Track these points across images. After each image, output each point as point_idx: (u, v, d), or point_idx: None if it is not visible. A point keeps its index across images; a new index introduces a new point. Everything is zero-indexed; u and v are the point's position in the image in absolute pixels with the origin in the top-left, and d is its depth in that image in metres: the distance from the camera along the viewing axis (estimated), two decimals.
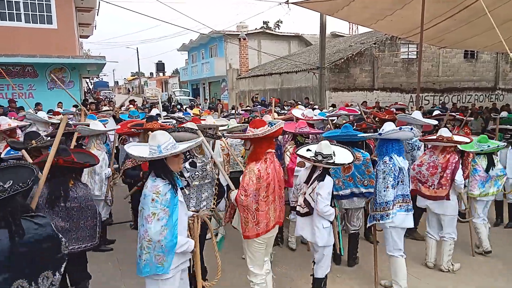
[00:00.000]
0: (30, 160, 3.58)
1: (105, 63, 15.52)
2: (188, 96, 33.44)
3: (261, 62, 28.47)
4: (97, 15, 20.03)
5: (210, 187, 3.80)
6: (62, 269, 2.33)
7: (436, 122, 6.12)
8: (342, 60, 17.60)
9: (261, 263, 3.50)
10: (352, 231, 4.80)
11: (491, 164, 4.96)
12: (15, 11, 13.67)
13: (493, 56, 20.81)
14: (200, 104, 22.02)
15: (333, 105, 13.63)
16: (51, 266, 2.26)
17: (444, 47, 15.36)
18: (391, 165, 3.82)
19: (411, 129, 3.93)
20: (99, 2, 17.33)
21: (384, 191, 3.85)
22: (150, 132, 4.12)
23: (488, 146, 4.92)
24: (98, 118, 6.91)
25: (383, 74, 18.42)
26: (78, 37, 19.80)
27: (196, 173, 3.71)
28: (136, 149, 2.93)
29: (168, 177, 2.80)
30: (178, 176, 2.98)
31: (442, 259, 4.69)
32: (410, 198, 3.97)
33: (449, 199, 4.42)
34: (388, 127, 3.90)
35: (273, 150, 3.46)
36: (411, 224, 4.00)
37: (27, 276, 2.13)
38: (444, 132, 4.52)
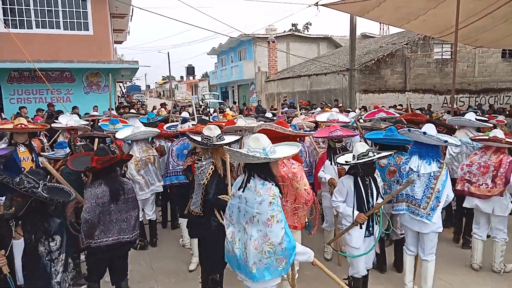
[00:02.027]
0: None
1: (138, 68, 15.93)
2: (218, 99, 33.84)
3: (290, 65, 28.42)
4: (131, 21, 20.67)
5: (200, 192, 3.76)
6: None
7: (491, 125, 6.03)
8: (373, 62, 17.32)
9: None
10: (400, 237, 4.57)
11: None
12: (55, 19, 14.31)
13: None
14: (229, 107, 22.22)
15: (364, 107, 13.43)
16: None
17: (480, 46, 14.81)
18: (401, 163, 4.00)
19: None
20: (133, 9, 17.88)
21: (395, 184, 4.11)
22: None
23: None
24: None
25: (416, 75, 17.97)
26: (113, 42, 20.48)
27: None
28: (240, 150, 2.97)
29: (275, 180, 2.78)
30: None
31: (494, 260, 4.62)
32: (419, 202, 3.82)
33: (502, 196, 4.38)
34: (429, 130, 3.85)
35: None
36: (420, 229, 3.88)
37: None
38: (498, 133, 4.53)
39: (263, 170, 2.75)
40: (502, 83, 19.64)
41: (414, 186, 3.84)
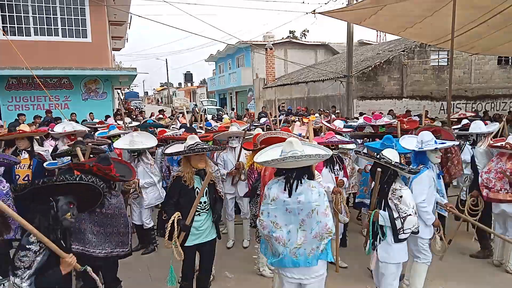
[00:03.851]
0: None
1: (136, 75, 15.97)
2: (216, 105, 33.90)
3: (287, 71, 28.54)
4: (129, 28, 20.76)
5: None
6: None
7: (495, 130, 6.07)
8: (370, 68, 17.44)
9: None
10: None
11: None
12: (53, 26, 14.34)
13: None
14: (227, 113, 22.25)
15: (361, 114, 13.48)
16: None
17: (476, 53, 14.93)
18: None
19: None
20: (131, 16, 17.98)
21: None
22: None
23: None
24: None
25: (412, 82, 18.09)
26: (111, 49, 20.54)
27: None
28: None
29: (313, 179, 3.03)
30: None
31: (508, 260, 4.66)
32: None
33: None
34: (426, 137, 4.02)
35: None
36: None
37: None
38: (511, 139, 4.59)
39: (308, 171, 2.96)
40: (498, 89, 19.77)
41: None
